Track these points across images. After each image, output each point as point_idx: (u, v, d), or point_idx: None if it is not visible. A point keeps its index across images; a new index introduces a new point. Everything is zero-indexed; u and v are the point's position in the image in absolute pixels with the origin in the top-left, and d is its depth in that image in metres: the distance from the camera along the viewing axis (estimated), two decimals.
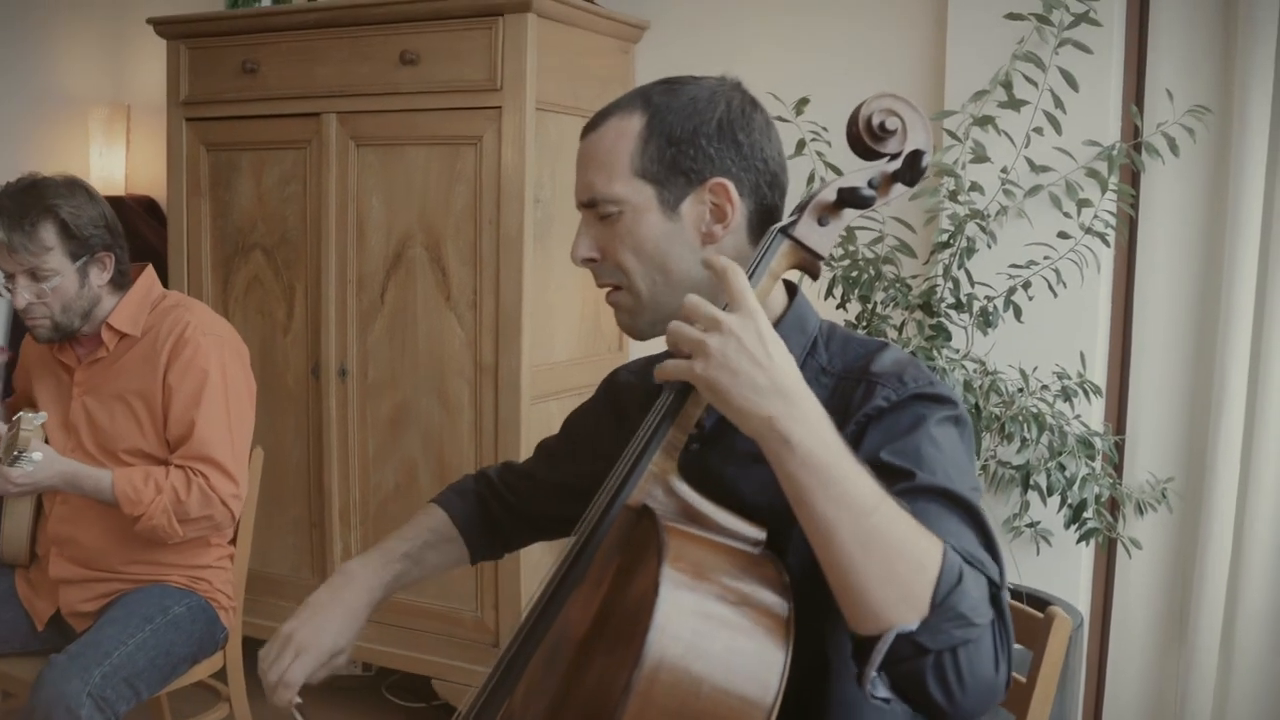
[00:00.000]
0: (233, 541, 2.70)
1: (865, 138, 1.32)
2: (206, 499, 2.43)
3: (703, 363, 1.14)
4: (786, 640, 1.15)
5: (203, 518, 2.44)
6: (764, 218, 1.41)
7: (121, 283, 2.55)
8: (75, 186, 2.48)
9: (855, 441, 1.30)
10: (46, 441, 2.46)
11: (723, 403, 1.15)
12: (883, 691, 1.14)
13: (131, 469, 2.43)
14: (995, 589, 1.17)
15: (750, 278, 1.30)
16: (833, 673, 1.35)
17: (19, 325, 4.31)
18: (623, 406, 1.64)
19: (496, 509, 1.77)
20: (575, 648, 1.27)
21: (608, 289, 1.45)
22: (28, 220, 2.38)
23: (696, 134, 1.38)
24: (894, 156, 1.33)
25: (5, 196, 2.41)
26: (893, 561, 1.11)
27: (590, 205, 1.42)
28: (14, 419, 2.29)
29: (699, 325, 1.16)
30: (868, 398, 1.32)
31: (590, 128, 1.44)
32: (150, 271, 2.63)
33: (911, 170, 1.31)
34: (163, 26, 3.61)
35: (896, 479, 1.23)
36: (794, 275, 1.42)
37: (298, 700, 1.49)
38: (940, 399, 1.32)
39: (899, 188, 1.34)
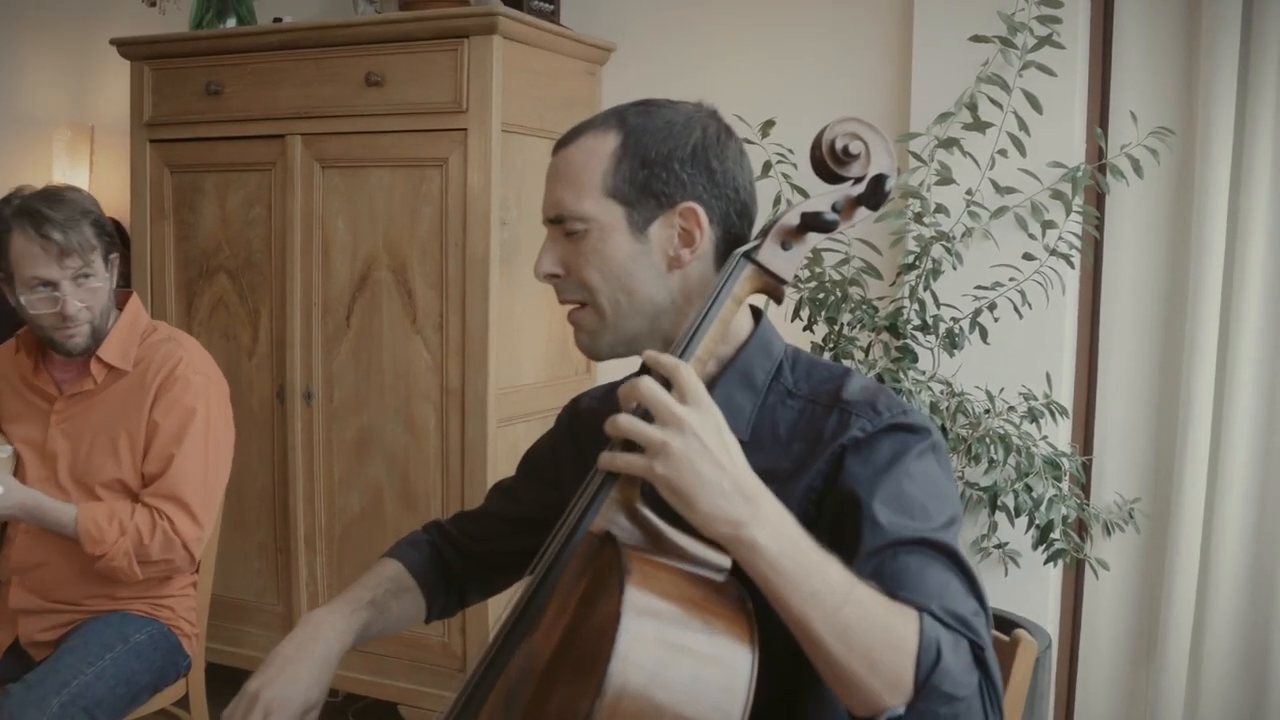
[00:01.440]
0: (196, 569, 2.66)
1: (829, 162, 1.32)
2: (169, 543, 2.40)
3: (664, 463, 1.12)
4: (751, 669, 1.13)
5: (163, 560, 2.42)
6: (731, 245, 1.40)
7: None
8: (80, 190, 2.50)
9: (832, 470, 1.30)
10: (15, 473, 2.42)
11: (686, 506, 1.13)
12: None
13: (96, 506, 2.39)
14: (979, 650, 1.17)
15: (714, 302, 1.30)
16: (799, 702, 1.34)
17: None
18: (584, 434, 1.62)
19: (451, 555, 1.72)
20: (538, 676, 1.25)
21: (570, 306, 1.44)
22: (74, 223, 2.37)
23: (670, 157, 1.37)
24: (857, 180, 1.33)
25: (43, 205, 2.37)
26: (870, 650, 1.12)
27: (557, 221, 1.40)
28: None
29: (657, 419, 1.14)
30: (843, 427, 1.32)
31: (563, 144, 1.43)
32: (136, 300, 2.60)
33: (875, 194, 1.31)
34: (126, 47, 3.59)
35: (878, 534, 1.23)
36: (759, 300, 1.41)
37: None
38: (915, 428, 1.32)
39: (862, 211, 1.34)
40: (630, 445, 1.16)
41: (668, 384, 1.17)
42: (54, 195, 2.42)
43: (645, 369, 1.49)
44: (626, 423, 1.15)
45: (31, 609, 2.51)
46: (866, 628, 1.12)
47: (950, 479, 1.34)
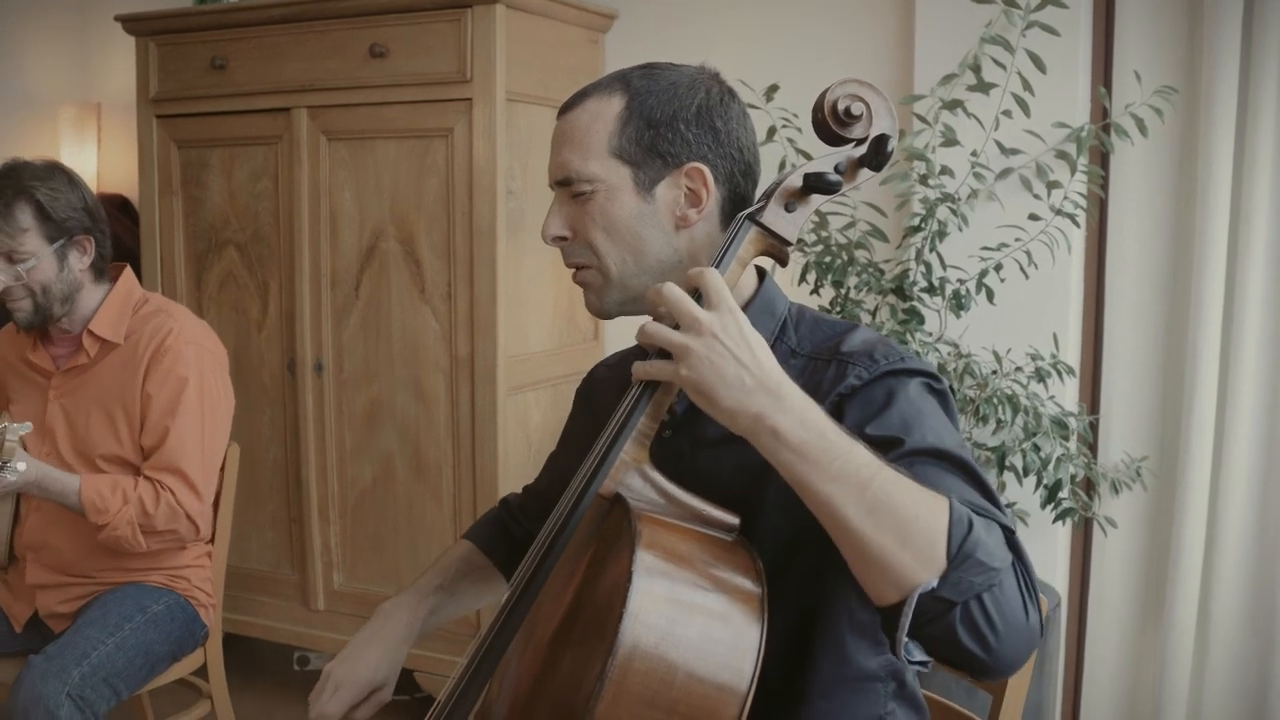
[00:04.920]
0: (211, 540, 2.68)
1: (830, 123, 1.32)
2: (173, 513, 2.42)
3: (687, 365, 1.15)
4: (761, 627, 1.15)
5: (168, 531, 2.43)
6: (736, 206, 1.42)
7: (102, 268, 2.54)
8: (54, 170, 2.48)
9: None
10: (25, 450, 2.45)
11: (710, 404, 1.15)
12: (919, 655, 1.14)
13: (100, 477, 2.41)
14: (1009, 533, 1.17)
15: (719, 265, 1.31)
16: (813, 658, 1.35)
17: None
18: (599, 401, 1.64)
19: (516, 530, 1.77)
20: (550, 637, 1.27)
21: (575, 269, 1.45)
22: (2, 201, 2.38)
23: (676, 118, 1.38)
24: (860, 142, 1.34)
25: None
26: (902, 525, 1.11)
27: (564, 184, 1.42)
28: None
29: (680, 325, 1.16)
30: (840, 377, 1.33)
31: (567, 107, 1.44)
32: (129, 274, 2.61)
33: (877, 155, 1.32)
34: (131, 24, 3.59)
35: (887, 448, 1.23)
36: (765, 263, 1.42)
37: None
38: (912, 371, 1.33)
39: (865, 173, 1.35)
40: (663, 355, 1.19)
41: (698, 295, 1.19)
42: (2, 173, 2.44)
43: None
44: (653, 329, 1.17)
45: (48, 583, 2.53)
46: (896, 503, 1.11)
47: (955, 422, 1.34)
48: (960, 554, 1.10)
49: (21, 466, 2.24)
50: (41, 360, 2.55)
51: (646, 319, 1.21)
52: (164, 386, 2.46)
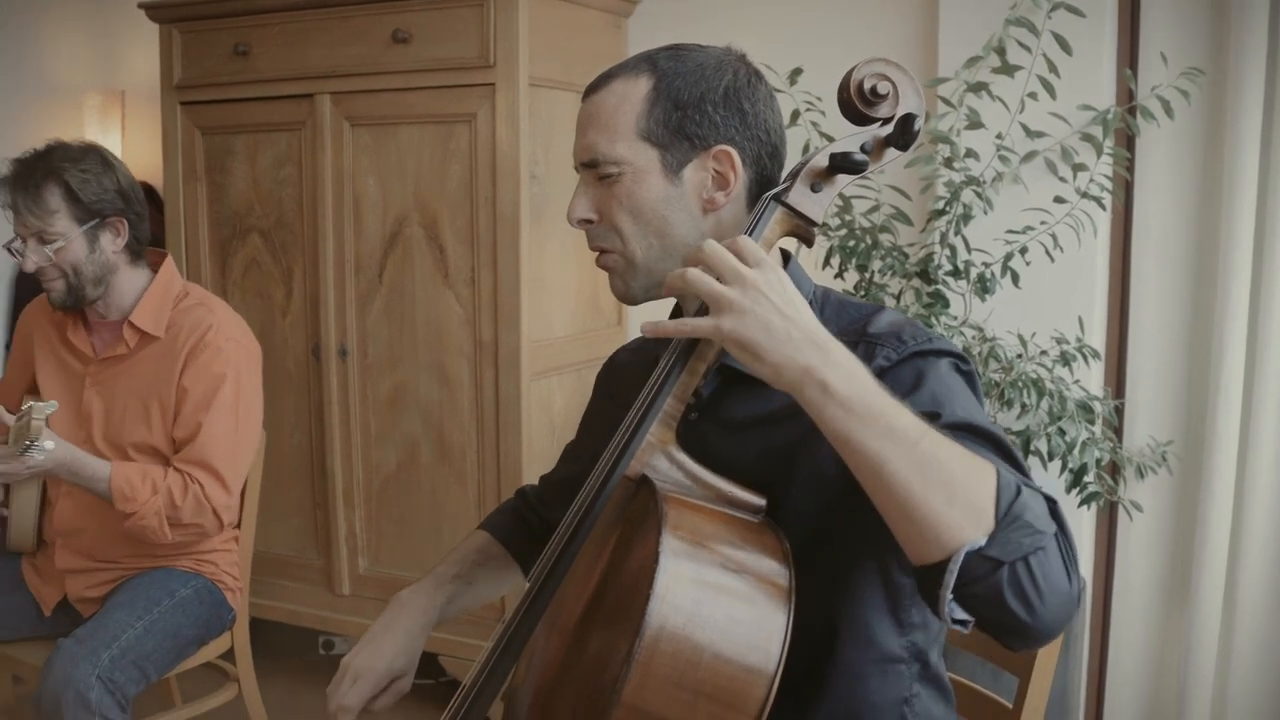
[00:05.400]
0: (237, 525, 2.70)
1: (856, 103, 1.32)
2: (200, 507, 2.42)
3: (732, 319, 1.14)
4: (788, 608, 1.15)
5: (193, 524, 2.43)
6: (763, 188, 1.40)
7: (138, 251, 2.53)
8: (89, 152, 2.48)
9: None
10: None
11: (755, 358, 1.14)
12: (960, 614, 1.12)
13: (129, 465, 2.41)
14: (1052, 503, 1.16)
15: None
16: (838, 640, 1.35)
17: (20, 294, 4.31)
18: (619, 386, 1.63)
19: (534, 521, 1.76)
20: (576, 619, 1.27)
21: (599, 252, 1.44)
22: (32, 183, 2.40)
23: (703, 100, 1.38)
24: (886, 121, 1.33)
25: (18, 161, 2.44)
26: (951, 482, 1.10)
27: (591, 166, 1.40)
28: (24, 408, 2.26)
29: (723, 279, 1.15)
30: (868, 359, 1.31)
31: (593, 88, 1.43)
32: (170, 263, 2.60)
33: (904, 134, 1.31)
34: (155, 11, 3.60)
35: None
36: (790, 244, 1.42)
37: None
38: (941, 352, 1.32)
39: (892, 152, 1.34)
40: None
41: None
42: (37, 154, 2.45)
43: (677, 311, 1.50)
44: (694, 275, 1.16)
45: (77, 568, 2.55)
46: (944, 460, 1.10)
47: (982, 403, 1.33)
48: (1009, 515, 1.10)
49: (49, 445, 2.24)
50: (80, 344, 2.55)
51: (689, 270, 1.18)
52: (200, 381, 2.46)
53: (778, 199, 1.33)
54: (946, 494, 1.10)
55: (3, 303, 4.46)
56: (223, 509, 2.46)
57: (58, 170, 2.41)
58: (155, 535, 2.40)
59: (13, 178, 2.42)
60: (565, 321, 3.38)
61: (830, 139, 2.86)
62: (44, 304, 2.62)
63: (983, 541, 1.09)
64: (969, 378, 1.34)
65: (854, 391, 1.12)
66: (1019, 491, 1.12)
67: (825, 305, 1.43)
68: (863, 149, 1.32)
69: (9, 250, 2.49)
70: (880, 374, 1.30)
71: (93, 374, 2.53)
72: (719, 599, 1.13)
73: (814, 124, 2.95)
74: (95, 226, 2.45)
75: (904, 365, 1.31)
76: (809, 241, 1.35)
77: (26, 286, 4.29)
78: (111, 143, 4.35)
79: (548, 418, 3.31)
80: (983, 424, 1.24)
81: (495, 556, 1.71)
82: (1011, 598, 1.09)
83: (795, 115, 2.94)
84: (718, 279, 1.16)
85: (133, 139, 4.41)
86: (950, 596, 1.10)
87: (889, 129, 1.33)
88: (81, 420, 2.52)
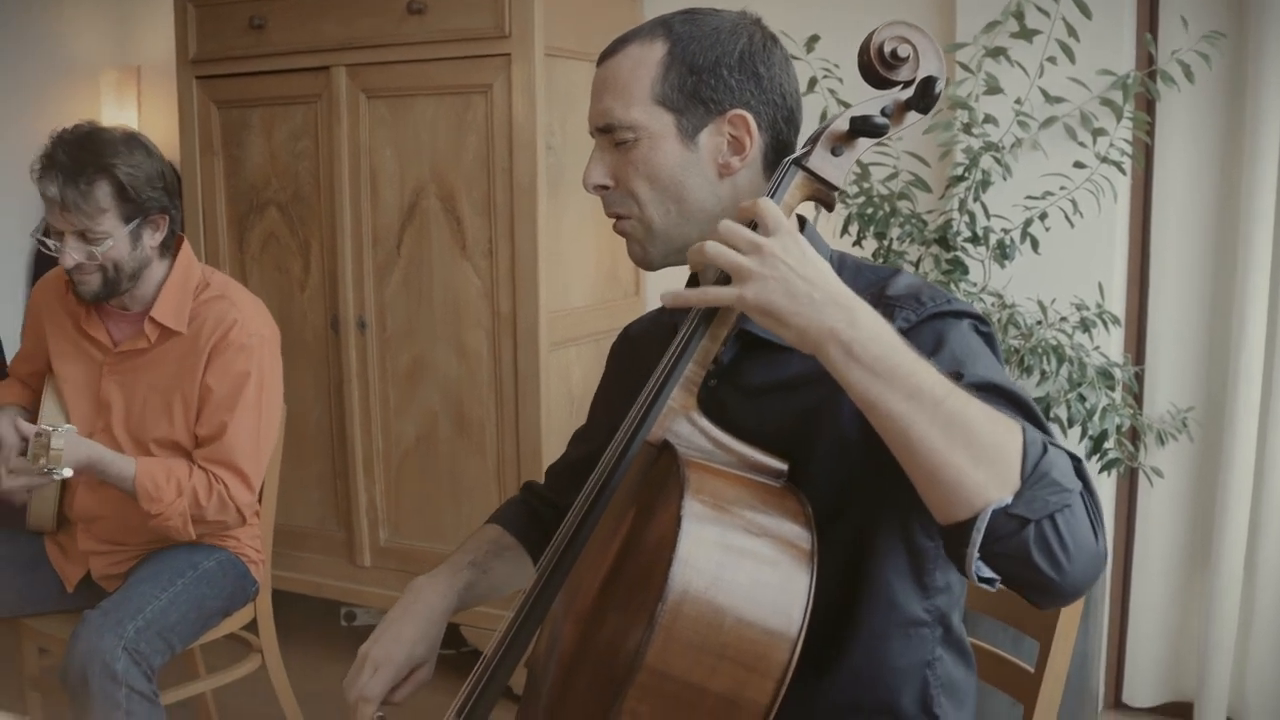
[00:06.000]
0: (259, 499, 2.70)
1: (877, 66, 1.31)
2: (224, 506, 2.41)
3: (754, 286, 1.14)
4: (811, 571, 1.15)
5: (217, 522, 2.43)
6: (779, 152, 1.40)
7: (170, 244, 2.46)
8: (134, 142, 2.38)
9: None
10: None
11: (779, 323, 1.14)
12: (987, 572, 1.12)
13: (154, 463, 2.38)
14: (1077, 462, 1.16)
15: None
16: (860, 604, 1.35)
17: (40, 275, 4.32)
18: (635, 357, 1.62)
19: (545, 512, 1.73)
20: (599, 585, 1.27)
21: (616, 218, 1.44)
22: (84, 179, 2.27)
23: (719, 64, 1.37)
24: (906, 84, 1.32)
25: (61, 149, 2.30)
26: (977, 440, 1.10)
27: (606, 131, 1.40)
28: (41, 431, 2.20)
29: (740, 250, 1.15)
30: (887, 321, 1.31)
31: (608, 54, 1.42)
32: (188, 249, 2.52)
33: (924, 97, 1.30)
34: None
35: None
36: (808, 210, 1.41)
37: (380, 714, 1.47)
38: (960, 313, 1.32)
39: (912, 115, 1.33)
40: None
41: (753, 227, 1.18)
42: (80, 142, 2.32)
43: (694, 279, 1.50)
44: (713, 247, 1.16)
45: (99, 550, 2.56)
46: (970, 419, 1.10)
47: (1003, 364, 1.33)
48: (1035, 473, 1.10)
49: (67, 473, 2.22)
50: (97, 333, 2.50)
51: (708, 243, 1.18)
52: (225, 380, 2.43)
53: (798, 163, 1.32)
54: (972, 453, 1.10)
55: (22, 285, 4.47)
56: (246, 506, 2.45)
57: (109, 166, 2.29)
58: (179, 535, 2.39)
59: (63, 171, 2.28)
60: (583, 292, 3.38)
61: (847, 106, 2.86)
62: (54, 285, 2.57)
63: (1009, 500, 1.09)
64: (989, 339, 1.33)
65: (879, 352, 1.11)
66: (1045, 449, 1.12)
67: (842, 269, 1.42)
68: (883, 112, 1.31)
69: (40, 244, 2.42)
70: (900, 335, 1.30)
71: (111, 364, 2.49)
72: (741, 563, 1.13)
73: (831, 91, 2.94)
74: (139, 224, 2.37)
75: (923, 327, 1.31)
76: (829, 206, 1.34)
77: (46, 267, 4.31)
78: (128, 119, 4.36)
79: (566, 388, 3.31)
80: (1005, 384, 1.24)
81: (509, 548, 1.68)
82: (1039, 555, 1.09)
83: (812, 82, 2.92)
84: (736, 250, 1.16)
85: (149, 115, 4.42)
86: (977, 555, 1.11)
87: (910, 92, 1.32)
88: (100, 409, 2.50)
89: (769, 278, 1.13)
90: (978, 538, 1.10)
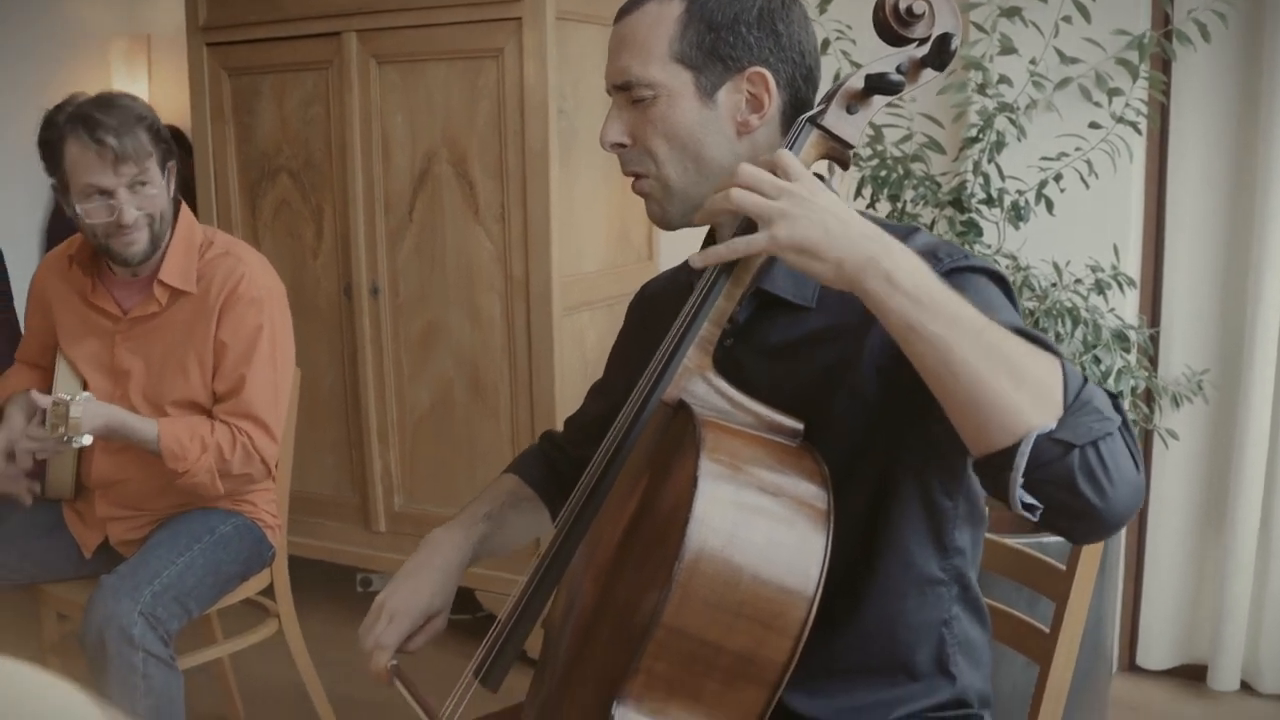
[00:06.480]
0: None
1: (892, 23, 1.30)
2: (248, 457, 2.42)
3: (785, 225, 1.14)
4: (827, 530, 1.15)
5: (243, 475, 2.45)
6: (797, 110, 1.39)
7: (178, 199, 2.51)
8: (136, 97, 2.45)
9: None
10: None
11: (815, 257, 1.14)
12: (1030, 499, 1.12)
13: (176, 422, 2.39)
14: (1114, 397, 1.16)
15: None
16: (877, 562, 1.35)
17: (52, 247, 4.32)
18: (652, 316, 1.61)
19: (562, 464, 1.74)
20: (615, 544, 1.28)
21: (634, 178, 1.43)
22: (127, 128, 2.31)
23: (737, 21, 1.36)
24: (922, 41, 1.31)
25: (96, 111, 2.32)
26: (1019, 367, 1.11)
27: (624, 89, 1.39)
28: (58, 400, 2.22)
29: (765, 195, 1.16)
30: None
31: (625, 11, 1.41)
32: (187, 211, 2.54)
33: (940, 54, 1.29)
34: None
35: None
36: (822, 169, 1.40)
37: (393, 662, 1.49)
38: (978, 269, 1.31)
39: (928, 73, 1.32)
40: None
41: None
42: (107, 101, 2.36)
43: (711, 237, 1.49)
44: (738, 195, 1.16)
45: (118, 516, 2.56)
46: (1010, 348, 1.11)
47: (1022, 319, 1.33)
48: (1078, 401, 1.11)
49: (87, 440, 2.24)
50: (105, 304, 2.51)
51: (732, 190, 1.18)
52: (238, 334, 2.44)
53: (813, 121, 1.31)
54: (1014, 378, 1.10)
55: (35, 258, 4.48)
56: (270, 457, 2.47)
57: (142, 113, 2.36)
58: (207, 490, 2.41)
59: (108, 126, 2.30)
60: (596, 256, 3.37)
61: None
62: (56, 265, 2.58)
63: (1053, 425, 1.09)
64: (1008, 292, 1.33)
65: (920, 281, 1.12)
66: (1085, 381, 1.13)
67: None
68: (899, 70, 1.31)
69: (78, 213, 2.38)
70: None
71: (123, 332, 2.50)
72: (758, 522, 1.14)
73: (844, 53, 2.92)
74: (168, 171, 2.42)
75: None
76: (845, 164, 1.34)
77: (59, 229, 4.31)
78: (139, 88, 4.36)
79: (580, 352, 3.31)
80: (1031, 331, 1.23)
81: (525, 499, 1.70)
82: (1083, 481, 1.09)
83: (826, 44, 2.90)
84: (761, 195, 1.16)
85: (160, 83, 4.41)
86: (1020, 481, 1.10)
87: (925, 49, 1.31)
88: (117, 378, 2.50)
89: (801, 216, 1.14)
90: (1021, 462, 1.09)
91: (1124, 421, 1.14)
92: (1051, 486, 1.11)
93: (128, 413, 2.36)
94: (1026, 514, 1.13)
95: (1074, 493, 1.10)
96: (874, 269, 1.12)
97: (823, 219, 1.13)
